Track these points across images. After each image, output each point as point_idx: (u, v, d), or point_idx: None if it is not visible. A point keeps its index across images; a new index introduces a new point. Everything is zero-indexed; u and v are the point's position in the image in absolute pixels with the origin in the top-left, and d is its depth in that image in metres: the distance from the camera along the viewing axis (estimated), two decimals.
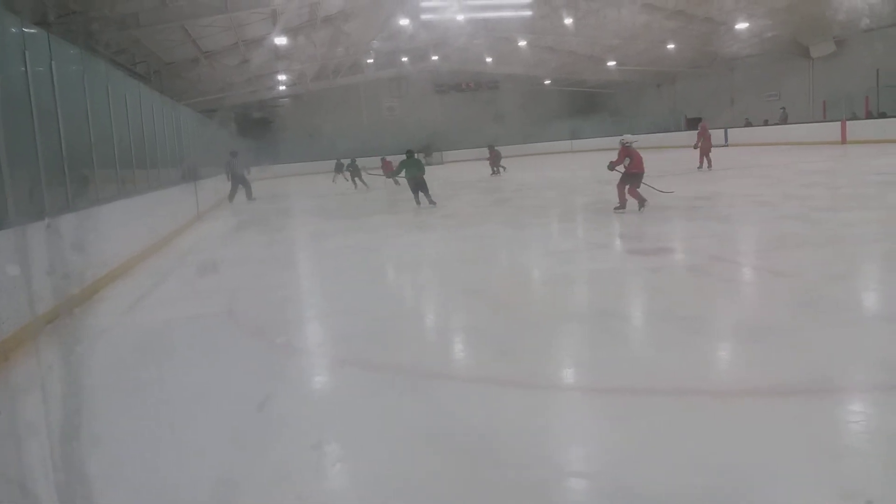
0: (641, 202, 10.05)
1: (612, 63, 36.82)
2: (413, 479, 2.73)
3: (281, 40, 24.55)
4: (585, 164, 18.10)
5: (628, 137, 10.21)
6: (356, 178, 21.59)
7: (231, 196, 18.87)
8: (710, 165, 17.05)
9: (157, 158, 12.04)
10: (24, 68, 5.97)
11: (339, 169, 24.18)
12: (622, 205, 10.17)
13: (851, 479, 2.51)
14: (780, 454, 2.68)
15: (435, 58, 38.26)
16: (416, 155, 14.06)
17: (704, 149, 17.23)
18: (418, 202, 13.28)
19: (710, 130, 17.86)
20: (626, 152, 9.96)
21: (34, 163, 6.00)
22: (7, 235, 4.90)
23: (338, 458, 3.05)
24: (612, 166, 10.20)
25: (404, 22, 28.06)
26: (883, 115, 25.55)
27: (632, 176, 10.01)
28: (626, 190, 10.09)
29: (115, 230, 8.13)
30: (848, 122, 25.12)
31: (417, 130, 40.94)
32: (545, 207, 13.11)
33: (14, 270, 4.79)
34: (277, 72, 31.84)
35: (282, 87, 35.40)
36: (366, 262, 8.22)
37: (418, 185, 13.21)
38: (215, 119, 27.40)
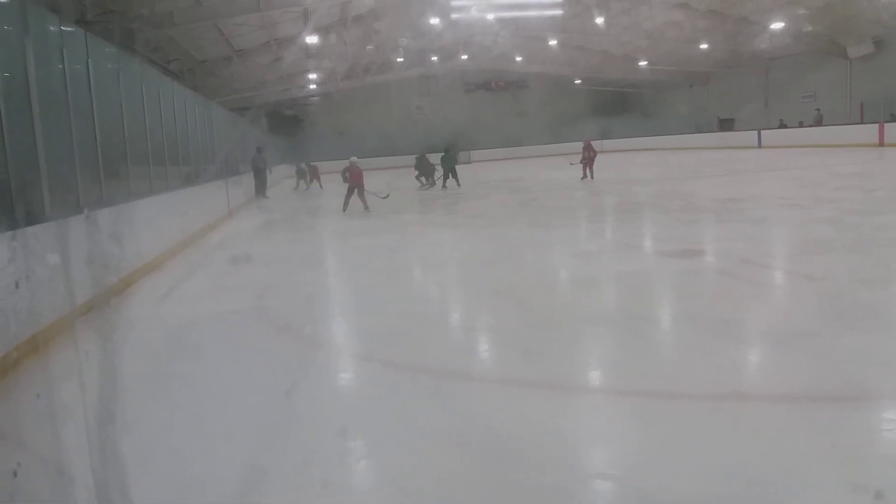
0: (365, 205, 13.24)
1: (643, 63, 36.46)
2: (434, 478, 2.74)
3: (312, 39, 24.76)
4: (615, 164, 17.95)
5: (354, 159, 13.78)
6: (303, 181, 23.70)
7: (258, 191, 19.33)
8: (592, 176, 17.97)
9: (189, 155, 12.23)
10: (61, 66, 6.11)
11: (301, 175, 25.02)
12: (344, 208, 13.33)
13: (884, 488, 2.47)
14: (810, 461, 2.65)
15: (464, 56, 38.25)
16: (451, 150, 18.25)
17: (589, 161, 18.22)
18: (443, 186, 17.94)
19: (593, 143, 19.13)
20: (352, 169, 13.50)
21: (70, 158, 6.14)
22: (46, 229, 5.03)
23: (361, 456, 3.08)
24: (345, 177, 13.98)
25: (434, 21, 28.08)
26: None
27: (354, 187, 13.31)
28: (351, 197, 13.23)
29: (147, 226, 8.27)
30: (886, 125, 24.53)
31: (446, 129, 40.88)
32: (573, 208, 13.05)
33: (53, 262, 4.91)
34: (308, 70, 32.09)
35: (312, 86, 35.67)
36: (391, 261, 8.26)
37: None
38: (247, 117, 27.73)
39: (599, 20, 29.03)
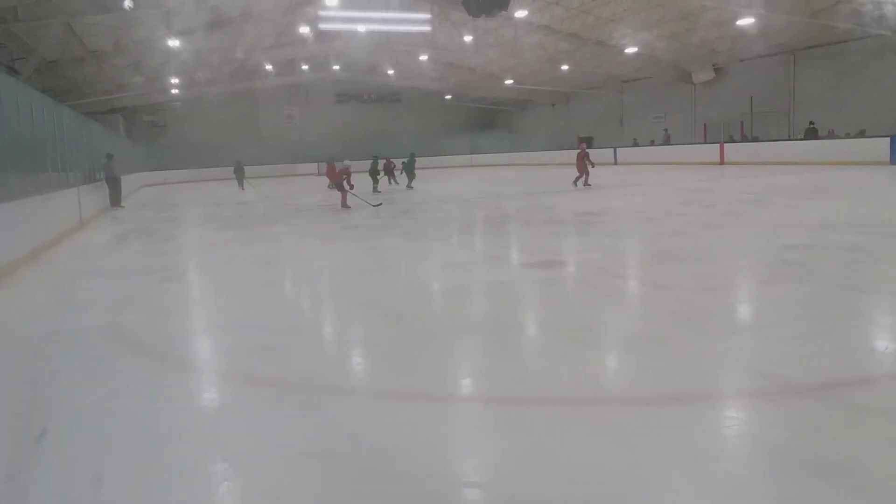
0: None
1: (509, 81, 37.81)
2: (303, 498, 2.69)
3: (174, 42, 23.67)
4: (483, 178, 18.42)
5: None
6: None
7: (112, 200, 18.35)
8: (586, 182, 18.61)
9: (35, 162, 11.30)
10: None
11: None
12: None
13: (725, 482, 2.68)
14: (661, 460, 2.83)
15: (336, 67, 38.01)
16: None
17: (585, 167, 18.72)
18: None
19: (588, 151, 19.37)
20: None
21: None
22: None
23: (224, 478, 2.95)
24: None
25: (304, 29, 27.71)
26: (756, 139, 27.66)
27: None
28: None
29: None
30: (725, 145, 26.92)
31: (318, 140, 40.43)
32: (444, 220, 13.27)
33: None
34: (170, 74, 30.63)
35: (175, 91, 34.07)
36: (259, 274, 8.02)
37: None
38: (102, 121, 26.02)
39: (468, 38, 29.84)
